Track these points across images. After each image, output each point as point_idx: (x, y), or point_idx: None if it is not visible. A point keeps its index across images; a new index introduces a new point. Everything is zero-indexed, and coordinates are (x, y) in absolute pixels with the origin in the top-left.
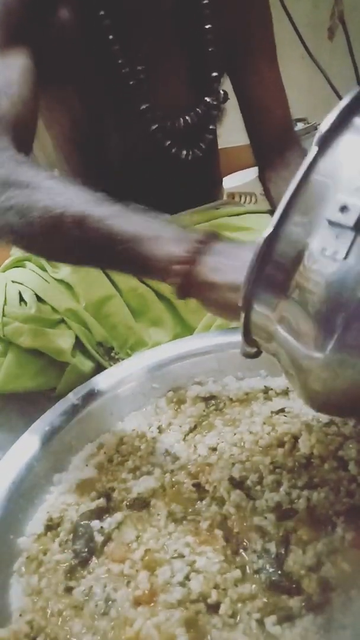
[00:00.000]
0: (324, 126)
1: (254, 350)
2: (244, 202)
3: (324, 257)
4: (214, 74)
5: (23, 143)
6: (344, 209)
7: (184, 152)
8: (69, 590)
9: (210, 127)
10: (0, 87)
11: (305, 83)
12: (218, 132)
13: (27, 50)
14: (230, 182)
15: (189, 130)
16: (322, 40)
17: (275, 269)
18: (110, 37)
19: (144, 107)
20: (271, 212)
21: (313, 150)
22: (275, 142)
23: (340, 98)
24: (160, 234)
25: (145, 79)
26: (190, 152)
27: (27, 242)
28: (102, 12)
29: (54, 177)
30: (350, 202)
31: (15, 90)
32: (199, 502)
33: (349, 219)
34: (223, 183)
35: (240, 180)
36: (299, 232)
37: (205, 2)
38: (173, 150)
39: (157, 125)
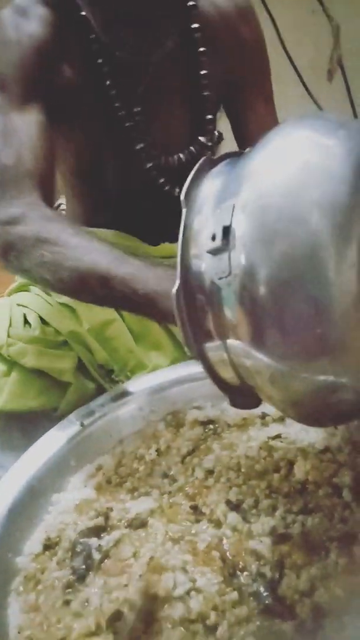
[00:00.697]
0: (183, 192)
1: (244, 400)
2: None
3: (221, 282)
4: (209, 116)
5: (48, 197)
6: (213, 237)
7: (177, 190)
8: (67, 603)
9: None
10: (25, 144)
11: None
12: None
13: (42, 105)
14: None
15: (183, 168)
16: (322, 81)
17: (199, 315)
18: (108, 82)
19: (139, 147)
20: None
21: (183, 212)
22: None
23: None
24: (169, 290)
25: (141, 121)
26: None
27: (60, 292)
28: (100, 60)
29: (79, 234)
30: (214, 230)
31: (37, 147)
32: (196, 523)
33: (217, 242)
34: None
35: None
36: (196, 275)
37: (201, 49)
38: (166, 188)
39: (151, 164)
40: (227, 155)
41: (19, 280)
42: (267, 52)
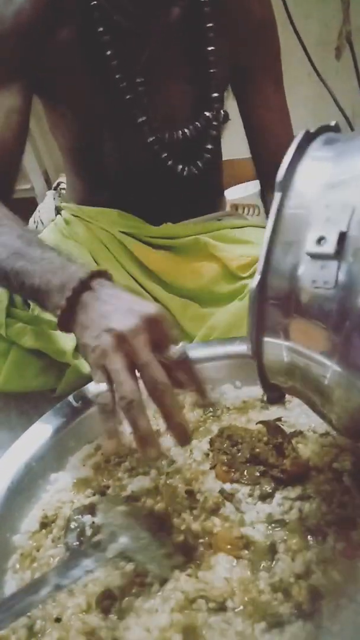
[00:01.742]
0: (281, 173)
1: (277, 394)
2: (247, 214)
3: (317, 289)
4: (215, 94)
5: (4, 182)
6: (320, 240)
7: (180, 167)
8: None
9: (208, 146)
10: None
11: (311, 100)
12: (222, 145)
13: (18, 85)
14: (234, 194)
15: (187, 144)
16: (330, 59)
17: (273, 313)
18: (108, 52)
19: (141, 119)
20: None
21: (277, 197)
22: (278, 163)
23: (344, 115)
24: (50, 284)
25: (143, 92)
26: (187, 168)
27: None
28: (101, 29)
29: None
30: (324, 233)
31: None
32: (189, 510)
33: (329, 248)
34: (226, 194)
35: (243, 192)
36: (285, 273)
37: (209, 25)
38: (169, 163)
39: (154, 138)
40: (324, 129)
41: None
42: (277, 32)
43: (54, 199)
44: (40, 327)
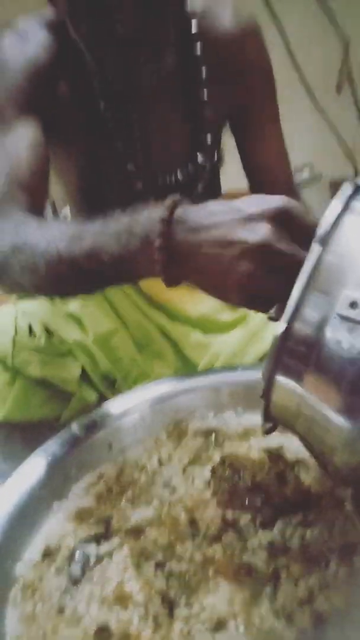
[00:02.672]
0: (324, 226)
1: (273, 426)
2: None
3: (341, 350)
4: (208, 137)
5: (33, 208)
6: (353, 304)
7: None
8: (61, 611)
9: (201, 189)
10: (12, 159)
11: (312, 132)
12: (223, 177)
13: (36, 120)
14: None
15: (181, 189)
16: (331, 94)
17: (292, 357)
18: (102, 104)
19: (130, 168)
20: None
21: (316, 249)
22: None
23: (345, 146)
24: (131, 245)
25: (135, 139)
26: None
27: (49, 292)
28: (95, 83)
29: (42, 226)
30: (358, 296)
31: (25, 162)
32: (191, 539)
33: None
34: None
35: None
36: (312, 324)
37: (202, 73)
38: None
39: (141, 184)
40: None
41: None
42: (272, 72)
43: None
44: (46, 356)
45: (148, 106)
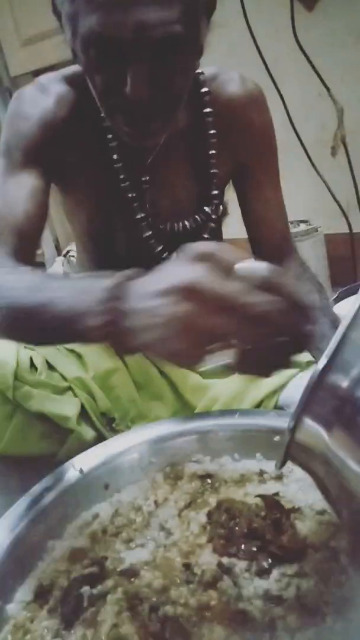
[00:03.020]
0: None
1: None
2: None
3: None
4: (215, 192)
5: (22, 252)
6: None
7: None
8: None
9: (205, 236)
10: (9, 204)
11: (309, 191)
12: (223, 226)
13: (40, 171)
14: None
15: (186, 236)
16: (326, 157)
17: (324, 402)
18: (115, 156)
19: (139, 216)
20: None
21: (356, 302)
22: (274, 252)
23: (340, 206)
24: (88, 291)
25: (146, 190)
26: None
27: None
28: (109, 135)
29: (9, 272)
30: None
31: (21, 208)
32: (186, 584)
33: None
34: None
35: None
36: (350, 373)
37: (211, 131)
38: (164, 256)
39: (150, 233)
40: None
41: None
42: (275, 136)
43: (63, 265)
44: (46, 392)
45: (159, 161)
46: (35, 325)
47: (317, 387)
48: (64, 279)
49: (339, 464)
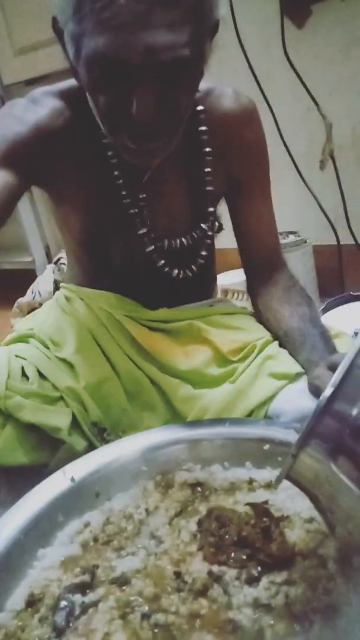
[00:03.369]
0: None
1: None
2: (236, 298)
3: None
4: (210, 209)
5: None
6: None
7: (176, 272)
8: None
9: (203, 253)
10: None
11: (297, 203)
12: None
13: (17, 172)
14: (225, 280)
15: (183, 251)
16: (315, 170)
17: (328, 426)
18: (116, 172)
19: (141, 232)
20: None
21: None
22: (265, 264)
23: (327, 218)
24: None
25: (145, 207)
26: (182, 272)
27: None
28: (110, 152)
29: None
30: None
31: None
32: (177, 592)
33: None
34: (218, 279)
35: (234, 278)
36: (354, 401)
37: (206, 149)
38: (166, 270)
39: (152, 247)
40: None
41: (17, 330)
42: (267, 152)
43: (54, 272)
44: (37, 402)
45: (155, 179)
46: None
47: (323, 414)
48: None
49: (338, 488)
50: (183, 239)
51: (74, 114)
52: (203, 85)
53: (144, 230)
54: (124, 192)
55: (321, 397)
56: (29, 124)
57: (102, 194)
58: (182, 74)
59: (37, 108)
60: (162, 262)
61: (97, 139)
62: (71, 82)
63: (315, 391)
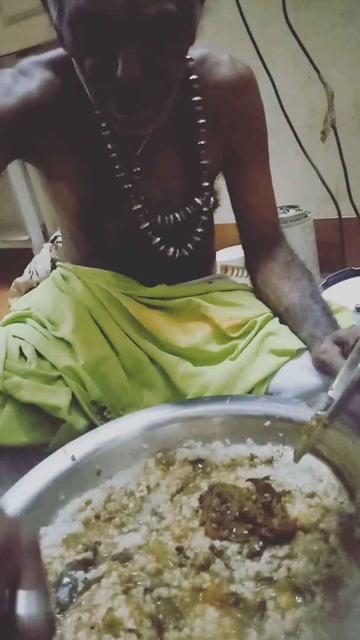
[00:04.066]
0: None
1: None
2: (236, 275)
3: None
4: (205, 183)
5: None
6: None
7: (172, 250)
8: None
9: (199, 230)
10: None
11: (298, 176)
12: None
13: (3, 150)
14: (224, 256)
15: (179, 228)
16: (316, 140)
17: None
18: (109, 146)
19: (136, 208)
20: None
21: None
22: (263, 239)
23: (328, 190)
24: None
25: (139, 181)
26: (178, 251)
27: None
28: (103, 124)
29: None
30: None
31: None
32: (179, 567)
33: None
34: (217, 255)
35: (233, 255)
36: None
37: (201, 121)
38: (161, 248)
39: (147, 224)
40: None
41: (14, 310)
42: (265, 121)
43: (50, 251)
44: (36, 382)
45: (149, 152)
46: None
47: (354, 390)
48: None
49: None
50: (177, 215)
51: (64, 85)
52: (197, 52)
53: (139, 206)
54: (117, 166)
55: (357, 372)
56: (17, 97)
57: (95, 169)
58: (169, 34)
59: (27, 80)
60: (158, 240)
61: (89, 111)
62: (61, 51)
63: (322, 366)
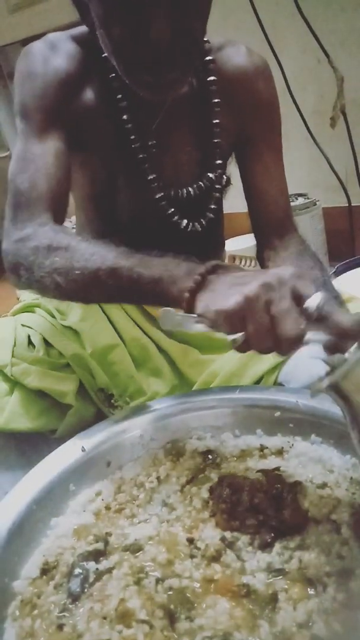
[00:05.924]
0: None
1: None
2: (244, 264)
3: None
4: (218, 161)
5: (58, 217)
6: None
7: (185, 222)
8: (60, 628)
9: (211, 206)
10: (41, 170)
11: (307, 163)
12: (223, 203)
13: (61, 133)
14: (233, 245)
15: (192, 203)
16: (325, 126)
17: None
18: (125, 117)
19: (151, 177)
20: None
21: None
22: (275, 227)
23: (338, 178)
24: (174, 273)
25: (154, 154)
26: (191, 224)
27: (70, 296)
28: (119, 96)
29: (86, 240)
30: None
31: (52, 173)
32: (190, 558)
33: None
34: (226, 245)
35: (242, 244)
36: None
37: (215, 100)
38: (175, 218)
39: (162, 194)
40: None
41: (23, 300)
42: (279, 112)
43: None
44: (44, 368)
45: (164, 126)
46: (121, 281)
47: None
48: (146, 253)
49: None
50: (190, 189)
51: (86, 59)
52: (216, 40)
53: (153, 175)
54: (132, 137)
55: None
56: (52, 79)
57: (111, 139)
58: None
59: (54, 57)
60: (172, 210)
61: (107, 83)
62: (81, 28)
63: (334, 347)
